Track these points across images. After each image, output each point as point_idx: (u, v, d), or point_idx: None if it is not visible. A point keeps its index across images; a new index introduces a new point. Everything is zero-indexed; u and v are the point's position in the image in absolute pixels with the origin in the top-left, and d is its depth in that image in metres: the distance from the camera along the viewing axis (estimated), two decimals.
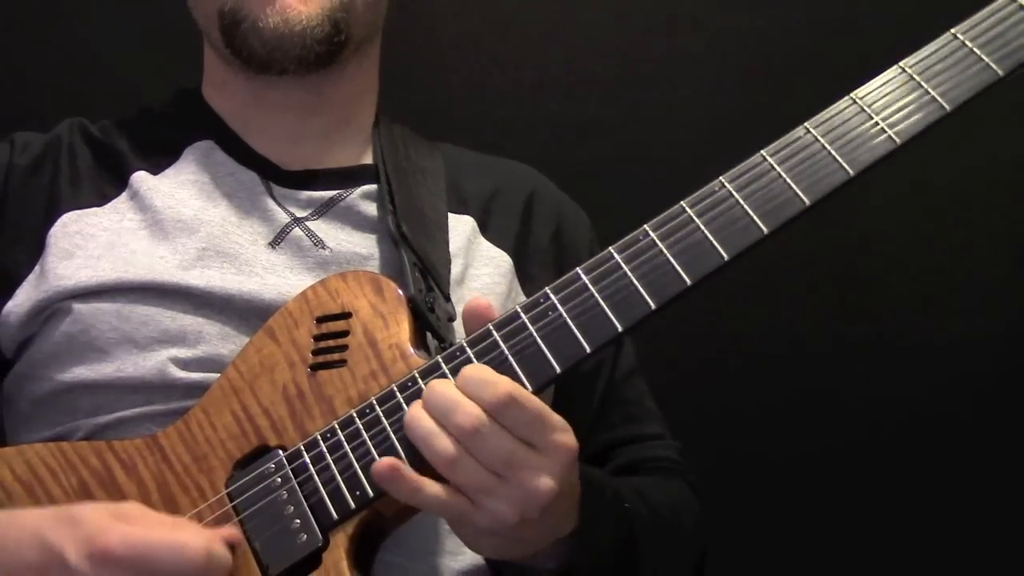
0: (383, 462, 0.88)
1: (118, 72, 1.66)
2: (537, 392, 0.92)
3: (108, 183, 1.16)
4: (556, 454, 0.89)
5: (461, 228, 1.20)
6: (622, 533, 1.04)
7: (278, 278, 1.10)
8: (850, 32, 1.72)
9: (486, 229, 1.22)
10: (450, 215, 1.20)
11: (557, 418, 0.90)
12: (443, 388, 0.89)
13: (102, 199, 1.15)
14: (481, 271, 1.18)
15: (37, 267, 1.11)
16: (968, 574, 1.71)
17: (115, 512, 0.89)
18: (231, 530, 0.93)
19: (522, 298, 1.19)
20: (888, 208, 1.69)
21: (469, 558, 1.07)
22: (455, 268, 1.15)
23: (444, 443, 0.87)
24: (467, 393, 0.88)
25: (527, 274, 1.21)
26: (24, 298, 1.10)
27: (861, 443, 1.73)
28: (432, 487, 0.88)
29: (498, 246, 1.21)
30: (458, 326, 1.07)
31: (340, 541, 0.93)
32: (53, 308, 1.08)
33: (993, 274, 1.75)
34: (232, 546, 0.91)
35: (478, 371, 0.89)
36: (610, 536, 1.02)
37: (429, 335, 1.03)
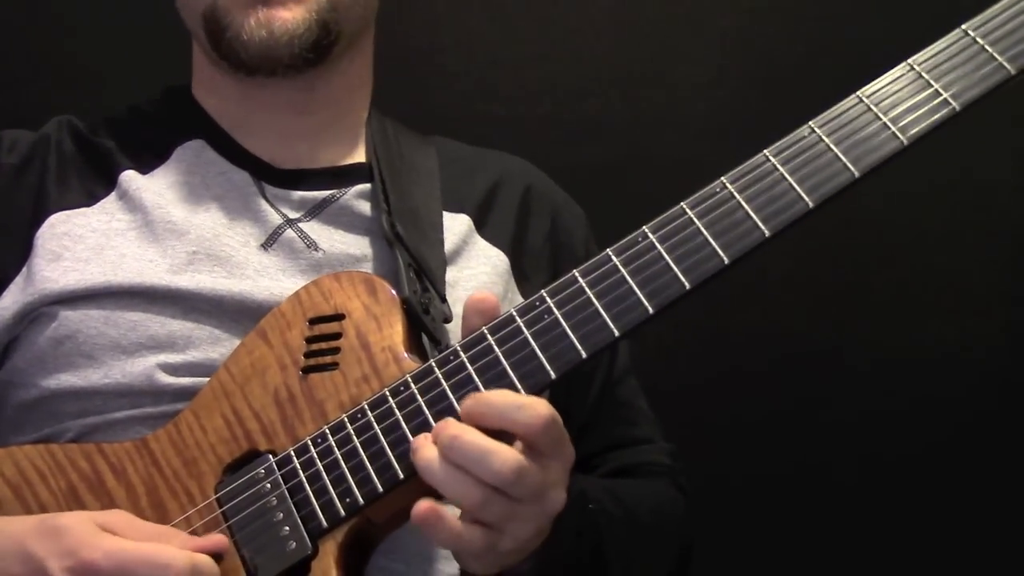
0: (424, 504, 0.84)
1: (109, 71, 1.65)
2: None
3: (97, 183, 1.14)
4: (566, 463, 0.88)
5: (457, 227, 1.17)
6: (586, 531, 1.02)
7: (270, 280, 1.08)
8: (854, 30, 1.70)
9: (482, 227, 1.20)
10: (445, 214, 1.18)
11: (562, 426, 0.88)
12: (472, 437, 0.84)
13: (91, 199, 1.13)
14: (477, 270, 1.15)
15: (24, 269, 1.09)
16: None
17: (100, 522, 0.87)
18: (218, 537, 0.91)
19: (518, 298, 1.16)
20: (887, 208, 1.67)
21: None
22: (451, 268, 1.13)
23: (469, 489, 0.84)
24: (499, 417, 0.85)
25: (523, 273, 1.19)
26: (11, 301, 1.08)
27: (860, 446, 1.72)
28: (469, 530, 0.85)
29: (495, 245, 1.19)
30: (452, 328, 1.05)
31: (330, 549, 0.91)
32: (38, 312, 1.06)
33: (993, 274, 1.74)
34: (220, 555, 0.89)
35: (505, 395, 0.86)
36: (572, 533, 0.99)
37: (424, 337, 1.01)
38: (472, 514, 0.85)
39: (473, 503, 0.84)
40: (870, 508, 1.72)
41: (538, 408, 0.85)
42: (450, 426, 0.86)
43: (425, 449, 0.86)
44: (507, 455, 0.83)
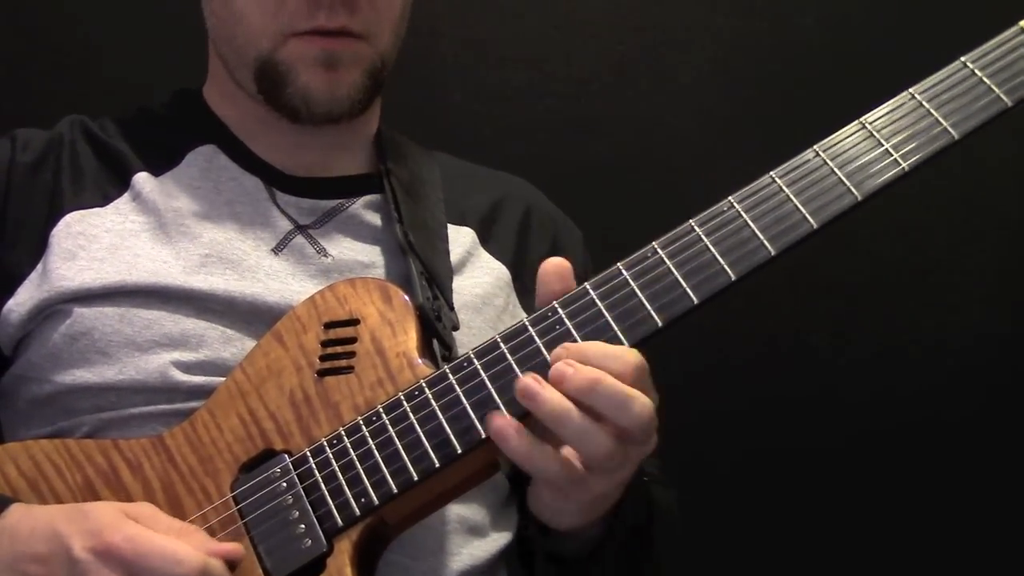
0: (505, 423, 0.89)
1: (118, 71, 1.67)
2: None
3: (110, 183, 1.16)
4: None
5: (461, 239, 1.21)
6: (644, 501, 1.07)
7: (280, 284, 1.11)
8: (851, 34, 1.73)
9: (486, 241, 1.23)
10: (450, 226, 1.21)
11: None
12: (613, 381, 0.88)
13: (104, 199, 1.15)
14: (481, 280, 1.19)
15: (39, 266, 1.11)
16: (967, 574, 1.73)
17: (126, 511, 0.90)
18: (235, 547, 0.92)
19: (519, 311, 1.20)
20: (887, 209, 1.69)
21: (469, 557, 1.08)
22: (455, 278, 1.16)
23: (602, 438, 0.88)
24: (598, 365, 0.89)
25: (524, 287, 1.22)
26: (26, 297, 1.09)
27: (860, 444, 1.75)
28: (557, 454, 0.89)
29: (497, 258, 1.22)
30: (459, 335, 1.09)
31: (344, 547, 0.94)
32: (53, 309, 1.08)
33: (993, 274, 1.77)
34: (233, 563, 0.91)
35: (598, 346, 0.91)
36: (636, 500, 1.03)
37: (435, 342, 1.04)
38: (594, 463, 0.89)
39: (603, 453, 0.88)
40: (868, 507, 1.75)
41: (628, 356, 0.90)
42: (582, 371, 0.89)
43: (546, 391, 0.89)
44: (645, 400, 0.88)
